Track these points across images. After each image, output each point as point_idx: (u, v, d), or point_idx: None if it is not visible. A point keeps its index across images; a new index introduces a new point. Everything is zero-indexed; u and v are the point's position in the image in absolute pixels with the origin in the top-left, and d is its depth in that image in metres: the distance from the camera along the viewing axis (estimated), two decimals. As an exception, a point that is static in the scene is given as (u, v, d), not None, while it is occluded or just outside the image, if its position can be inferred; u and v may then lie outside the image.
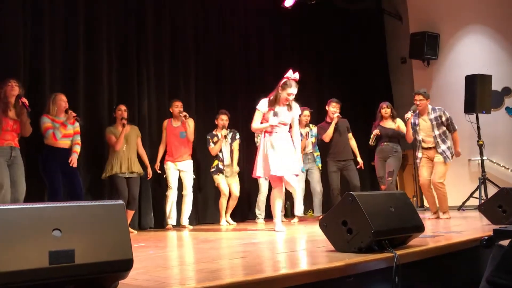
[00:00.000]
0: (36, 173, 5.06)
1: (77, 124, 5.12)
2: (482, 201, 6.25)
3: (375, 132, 6.27)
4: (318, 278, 2.12)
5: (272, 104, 4.73)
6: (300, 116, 6.56)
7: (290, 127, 4.93)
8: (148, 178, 5.93)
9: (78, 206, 1.72)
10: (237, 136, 6.51)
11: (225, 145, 6.40)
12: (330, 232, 2.70)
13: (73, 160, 5.02)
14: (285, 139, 4.74)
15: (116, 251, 1.70)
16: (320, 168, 6.65)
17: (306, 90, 7.79)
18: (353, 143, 6.58)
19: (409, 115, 5.65)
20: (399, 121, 6.31)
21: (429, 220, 5.38)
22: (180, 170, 6.12)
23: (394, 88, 9.31)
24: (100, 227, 1.71)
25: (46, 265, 1.55)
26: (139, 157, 5.79)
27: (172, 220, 6.02)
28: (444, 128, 5.56)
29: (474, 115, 7.10)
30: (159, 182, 6.30)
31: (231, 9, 7.57)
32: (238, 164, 6.56)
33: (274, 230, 4.64)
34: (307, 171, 6.63)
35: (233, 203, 6.49)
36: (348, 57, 8.92)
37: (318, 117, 7.20)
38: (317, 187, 6.60)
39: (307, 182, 6.70)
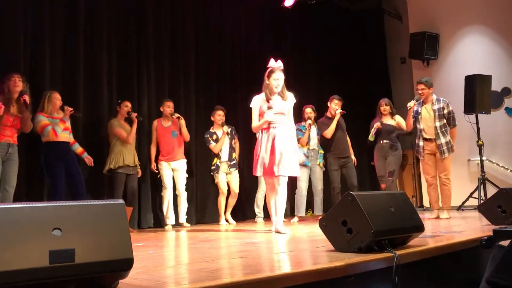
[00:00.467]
0: (36, 173, 5.06)
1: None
2: (482, 201, 6.25)
3: (376, 125, 6.23)
4: (318, 278, 2.12)
5: (267, 96, 4.61)
6: (303, 114, 6.59)
7: None
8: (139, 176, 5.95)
9: (78, 206, 1.72)
10: (234, 132, 6.52)
11: (225, 142, 6.40)
12: (330, 232, 2.70)
13: (90, 160, 5.36)
14: (286, 134, 4.56)
15: (116, 251, 1.70)
16: (321, 167, 6.63)
17: (306, 89, 7.83)
18: (348, 140, 6.60)
19: (411, 103, 5.60)
20: (398, 117, 6.30)
21: (429, 220, 5.37)
22: (173, 169, 6.12)
23: (394, 88, 9.31)
24: (101, 226, 1.71)
25: (46, 265, 1.55)
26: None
27: (170, 220, 6.02)
28: (445, 121, 5.54)
29: (474, 115, 7.10)
30: (158, 182, 6.30)
31: (231, 9, 7.56)
32: (238, 162, 6.59)
33: (279, 232, 4.40)
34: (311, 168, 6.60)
35: (232, 200, 6.49)
36: (348, 57, 8.93)
37: (318, 117, 7.19)
38: (318, 185, 6.57)
39: (309, 181, 6.63)
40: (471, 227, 4.30)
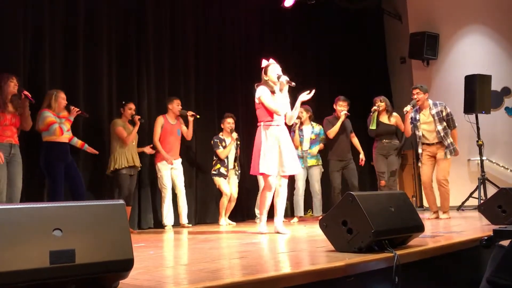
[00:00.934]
0: (36, 172, 5.05)
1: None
2: (482, 201, 6.25)
3: (374, 108, 6.15)
4: (318, 278, 2.12)
5: (270, 88, 4.56)
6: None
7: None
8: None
9: (78, 206, 1.72)
10: (238, 141, 6.56)
11: (232, 149, 6.42)
12: (330, 232, 2.70)
13: (93, 150, 5.38)
14: (287, 133, 4.60)
15: (116, 251, 1.70)
16: (321, 168, 6.61)
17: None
18: (355, 140, 6.59)
19: (408, 108, 5.60)
20: (396, 116, 6.29)
21: (429, 220, 5.38)
22: (172, 168, 6.11)
23: (394, 88, 9.30)
24: (101, 227, 1.71)
25: (47, 265, 1.55)
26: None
27: (170, 220, 6.01)
28: (445, 124, 5.55)
29: (474, 115, 7.11)
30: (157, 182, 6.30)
31: (231, 9, 7.56)
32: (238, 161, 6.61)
33: (279, 233, 4.39)
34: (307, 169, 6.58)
35: (231, 204, 6.48)
36: (347, 57, 8.92)
37: (317, 117, 7.18)
38: (316, 186, 6.54)
39: (306, 181, 6.62)
40: (471, 227, 4.31)
